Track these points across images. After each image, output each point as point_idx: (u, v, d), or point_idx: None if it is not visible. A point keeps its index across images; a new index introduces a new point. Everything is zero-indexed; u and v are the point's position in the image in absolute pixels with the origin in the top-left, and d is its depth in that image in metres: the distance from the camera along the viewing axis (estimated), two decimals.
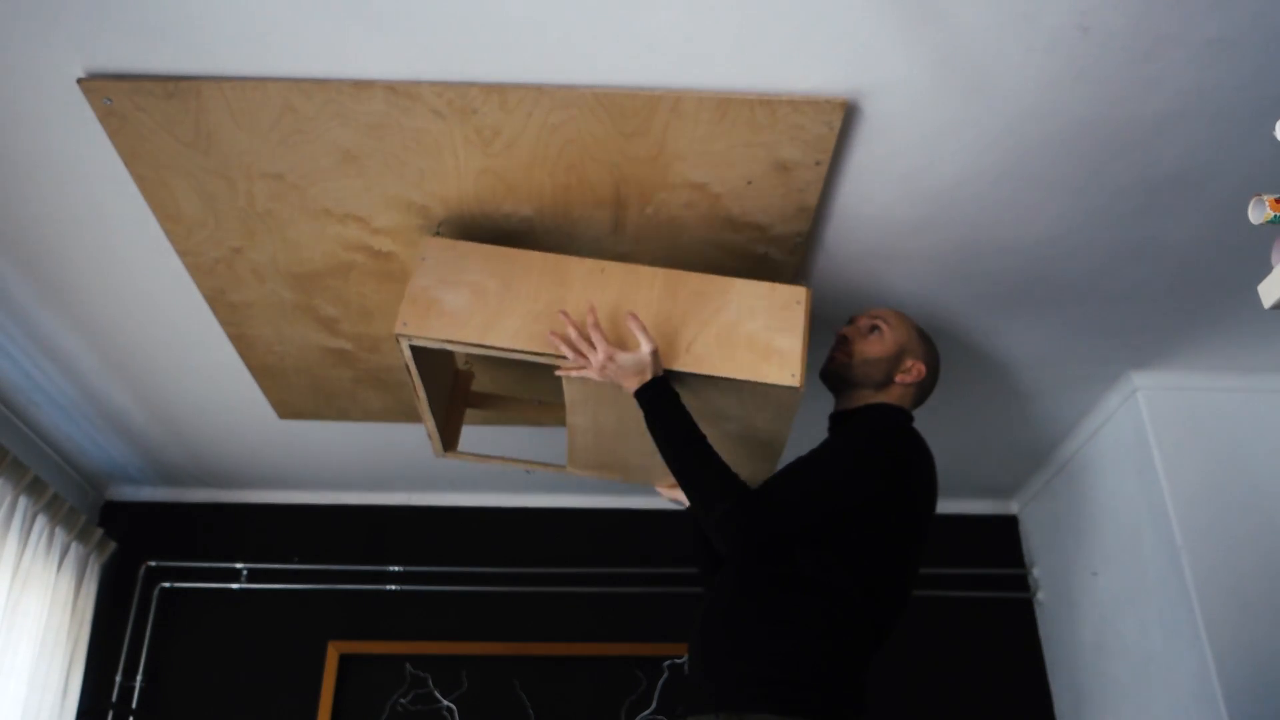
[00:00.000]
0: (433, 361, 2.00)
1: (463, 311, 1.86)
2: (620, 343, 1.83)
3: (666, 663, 3.07)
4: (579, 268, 1.92)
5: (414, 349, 1.89)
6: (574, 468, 2.25)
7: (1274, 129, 1.48)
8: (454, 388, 2.32)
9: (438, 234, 2.00)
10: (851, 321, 2.05)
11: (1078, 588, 2.98)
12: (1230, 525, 2.49)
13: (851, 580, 1.78)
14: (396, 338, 1.85)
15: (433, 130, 1.78)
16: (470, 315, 1.86)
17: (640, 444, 2.07)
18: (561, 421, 2.61)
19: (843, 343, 2.01)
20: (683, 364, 1.83)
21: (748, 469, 2.07)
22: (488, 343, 1.84)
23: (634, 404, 1.82)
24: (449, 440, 2.25)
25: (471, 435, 2.45)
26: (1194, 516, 2.50)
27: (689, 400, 1.86)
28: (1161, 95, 1.72)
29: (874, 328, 2.00)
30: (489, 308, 1.86)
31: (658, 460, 2.01)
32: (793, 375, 1.81)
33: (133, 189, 1.94)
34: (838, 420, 2.03)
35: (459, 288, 1.88)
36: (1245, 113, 1.76)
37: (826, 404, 2.08)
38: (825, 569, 1.77)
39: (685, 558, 3.00)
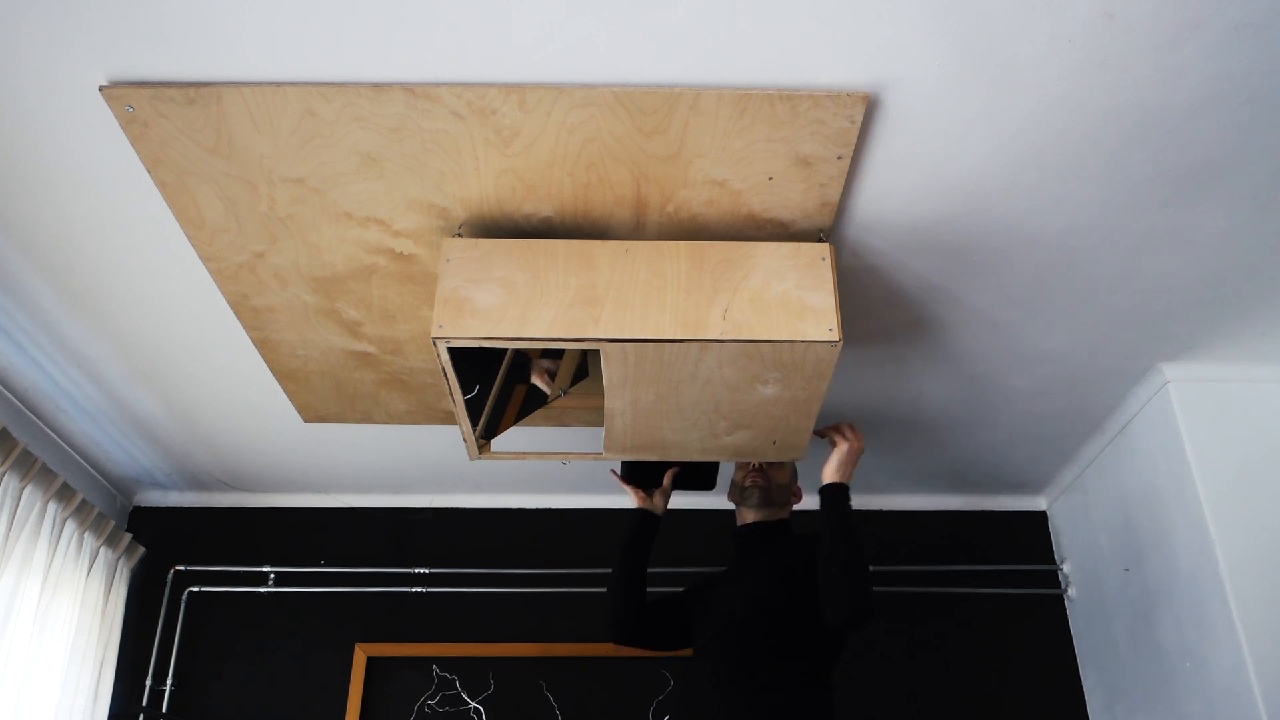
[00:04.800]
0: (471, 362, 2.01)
1: (496, 307, 1.87)
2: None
3: (690, 663, 3.05)
4: (603, 250, 1.94)
5: (451, 351, 1.89)
6: (611, 453, 2.26)
7: None
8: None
9: (458, 235, 2.00)
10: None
11: (1109, 584, 2.95)
12: (1264, 518, 2.45)
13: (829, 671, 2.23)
14: (434, 341, 1.86)
15: (452, 131, 1.78)
16: (505, 310, 1.86)
17: (677, 420, 2.11)
18: (585, 420, 2.62)
19: (757, 468, 2.45)
20: (721, 332, 1.85)
21: (783, 430, 2.14)
22: (526, 335, 1.84)
23: (671, 381, 1.98)
24: (485, 441, 2.26)
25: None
26: (1227, 510, 2.47)
27: (729, 371, 1.94)
28: (1189, 82, 1.70)
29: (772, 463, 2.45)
30: (521, 300, 1.87)
31: (694, 435, 2.19)
32: (830, 329, 1.86)
33: (156, 195, 1.95)
34: (770, 531, 2.42)
35: (488, 284, 1.89)
36: (1274, 99, 1.74)
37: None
38: (824, 669, 2.21)
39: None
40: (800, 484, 2.56)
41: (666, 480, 2.50)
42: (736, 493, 2.48)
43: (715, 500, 3.23)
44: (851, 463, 2.29)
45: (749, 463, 2.46)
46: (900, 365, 2.58)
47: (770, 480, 2.44)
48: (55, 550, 2.63)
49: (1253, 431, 2.55)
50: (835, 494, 2.23)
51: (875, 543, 3.22)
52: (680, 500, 3.28)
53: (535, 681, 3.03)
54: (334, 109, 1.73)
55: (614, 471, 2.51)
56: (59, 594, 2.65)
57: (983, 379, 2.64)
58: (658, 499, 2.48)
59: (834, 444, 2.31)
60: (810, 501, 2.51)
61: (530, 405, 2.39)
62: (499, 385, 2.22)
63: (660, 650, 2.48)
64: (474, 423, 2.15)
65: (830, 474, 2.26)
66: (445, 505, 3.30)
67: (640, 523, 2.45)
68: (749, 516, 2.45)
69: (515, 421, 2.35)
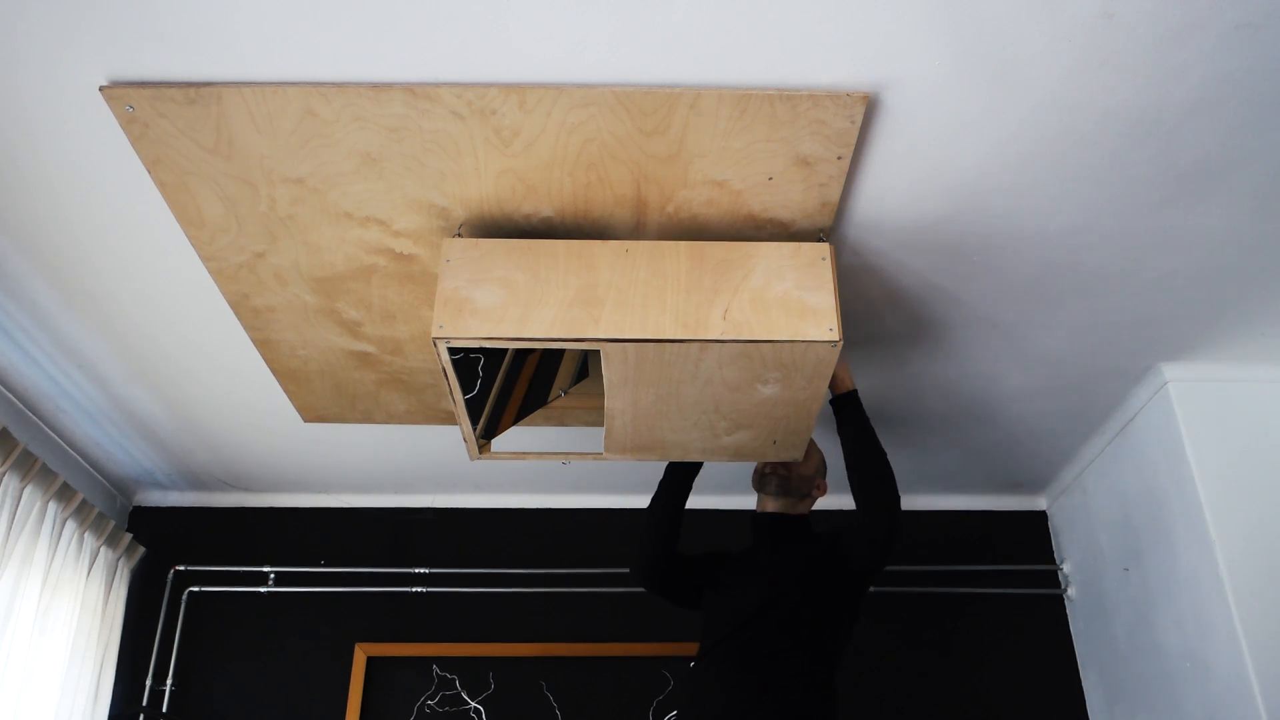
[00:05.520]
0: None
1: (497, 307, 1.87)
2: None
3: (694, 663, 3.05)
4: (604, 250, 1.94)
5: (451, 351, 1.89)
6: (611, 453, 2.26)
7: None
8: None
9: (458, 235, 2.01)
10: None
11: (1109, 584, 2.95)
12: (1264, 518, 2.45)
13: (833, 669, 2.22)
14: (434, 341, 1.86)
15: (452, 131, 1.78)
16: (505, 310, 1.86)
17: (677, 420, 2.11)
18: (585, 420, 2.62)
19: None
20: (722, 332, 1.85)
21: (783, 430, 2.16)
22: (526, 335, 1.85)
23: (671, 381, 1.97)
24: (485, 441, 2.27)
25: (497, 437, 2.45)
26: (1227, 510, 2.47)
27: (729, 371, 1.94)
28: (1188, 82, 1.70)
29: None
30: (522, 300, 1.88)
31: (694, 435, 2.19)
32: (830, 330, 1.87)
33: (156, 195, 1.95)
34: (786, 527, 2.39)
35: (489, 284, 1.89)
36: (1274, 98, 1.74)
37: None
38: (828, 670, 2.19)
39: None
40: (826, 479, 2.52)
41: None
42: (757, 479, 2.47)
43: (731, 500, 3.23)
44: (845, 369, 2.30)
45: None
46: (900, 365, 2.58)
47: (791, 470, 2.41)
48: (55, 550, 2.63)
49: (1253, 431, 2.55)
50: (853, 404, 2.25)
51: None
52: (697, 500, 3.29)
53: (535, 681, 3.03)
54: (334, 109, 1.73)
55: None
56: (59, 594, 2.65)
57: (983, 379, 2.64)
58: None
59: None
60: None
61: (530, 405, 2.39)
62: (499, 385, 2.22)
63: (670, 599, 2.46)
64: (474, 423, 2.15)
65: (844, 382, 2.26)
66: (445, 505, 3.30)
67: None
68: (768, 505, 2.44)
69: (515, 421, 2.35)
